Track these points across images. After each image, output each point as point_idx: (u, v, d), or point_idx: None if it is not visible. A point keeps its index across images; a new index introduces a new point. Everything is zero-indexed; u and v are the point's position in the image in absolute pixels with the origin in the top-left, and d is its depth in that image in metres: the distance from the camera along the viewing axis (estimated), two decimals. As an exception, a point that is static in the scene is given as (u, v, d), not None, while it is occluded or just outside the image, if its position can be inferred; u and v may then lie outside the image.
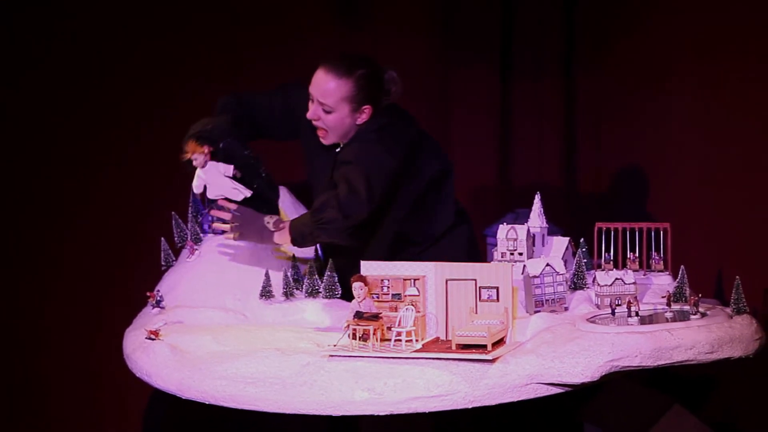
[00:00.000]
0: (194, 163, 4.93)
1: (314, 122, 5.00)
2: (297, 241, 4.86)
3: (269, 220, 4.89)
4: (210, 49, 6.18)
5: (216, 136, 4.95)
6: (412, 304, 4.50)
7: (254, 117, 5.17)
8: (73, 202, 6.11)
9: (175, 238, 5.20)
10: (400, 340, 4.39)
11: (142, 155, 6.11)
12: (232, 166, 4.95)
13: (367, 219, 4.85)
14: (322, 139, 5.03)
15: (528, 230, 4.93)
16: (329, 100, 4.91)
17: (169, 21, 6.14)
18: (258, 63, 6.20)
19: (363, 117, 4.97)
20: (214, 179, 4.94)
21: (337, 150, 5.02)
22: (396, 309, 4.50)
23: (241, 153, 4.98)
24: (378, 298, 4.53)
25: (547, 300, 4.67)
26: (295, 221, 4.90)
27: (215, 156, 4.94)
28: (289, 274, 4.94)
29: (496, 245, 4.95)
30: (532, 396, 4.29)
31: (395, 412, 4.23)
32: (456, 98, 6.34)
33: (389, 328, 4.45)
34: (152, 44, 6.14)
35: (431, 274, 4.56)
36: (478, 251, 5.18)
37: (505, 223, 4.97)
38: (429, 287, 4.57)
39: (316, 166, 5.11)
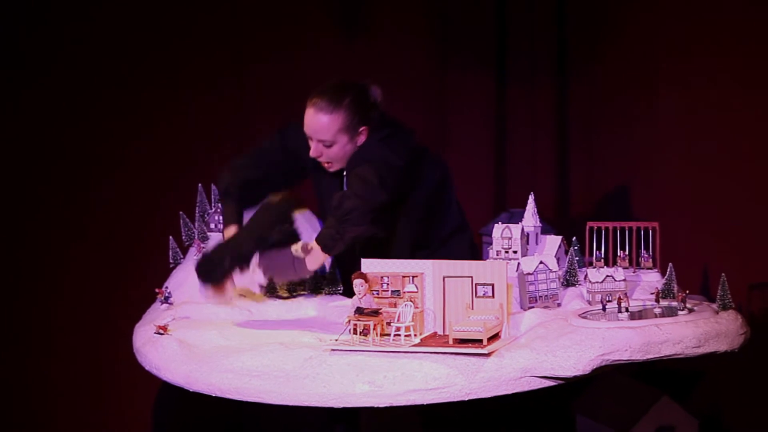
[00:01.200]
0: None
1: (319, 158, 4.95)
2: (328, 247, 4.70)
3: (297, 249, 4.71)
4: (215, 53, 6.15)
5: (220, 273, 4.76)
6: (411, 301, 4.50)
7: (257, 187, 5.06)
8: (84, 202, 6.07)
9: (183, 237, 5.20)
10: (399, 335, 4.40)
11: (151, 156, 6.09)
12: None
13: (386, 207, 4.79)
14: (329, 169, 4.98)
15: (522, 229, 4.92)
16: (326, 136, 4.87)
17: (176, 26, 6.11)
18: (260, 66, 6.17)
19: (362, 138, 4.93)
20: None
21: (344, 173, 5.00)
22: (395, 305, 4.50)
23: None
24: (378, 294, 4.54)
25: (540, 296, 4.67)
26: (319, 233, 4.78)
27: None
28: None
29: (491, 244, 4.94)
30: (526, 389, 4.30)
31: (394, 404, 4.23)
32: (453, 102, 6.30)
33: (389, 324, 4.46)
34: (160, 48, 6.10)
35: (429, 272, 4.56)
36: (478, 252, 5.17)
37: (500, 222, 4.97)
38: (427, 284, 4.56)
39: (324, 187, 5.06)
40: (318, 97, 4.87)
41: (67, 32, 6.07)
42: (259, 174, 5.05)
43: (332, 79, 4.96)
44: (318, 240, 4.70)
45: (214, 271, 4.67)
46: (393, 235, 4.97)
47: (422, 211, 5.01)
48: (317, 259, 4.72)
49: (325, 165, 4.97)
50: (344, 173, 4.98)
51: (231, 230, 4.94)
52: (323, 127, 4.86)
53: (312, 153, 4.92)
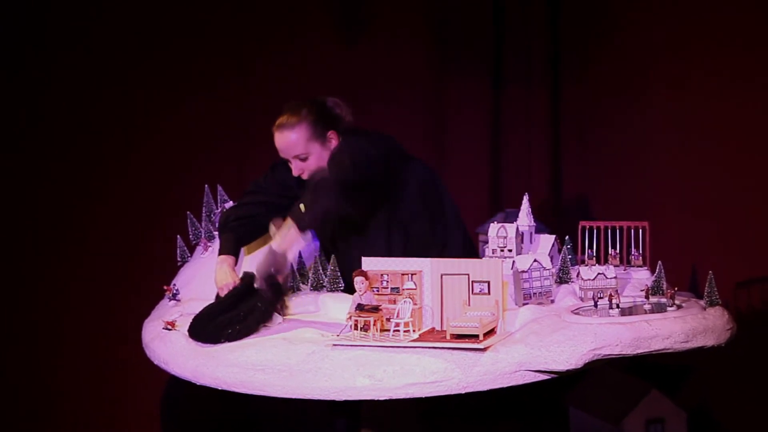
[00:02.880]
0: None
1: (302, 176, 4.95)
2: (298, 220, 4.68)
3: (271, 227, 4.75)
4: (219, 55, 6.14)
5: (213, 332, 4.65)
6: (410, 297, 4.51)
7: (256, 220, 5.03)
8: (96, 204, 6.06)
9: (190, 236, 5.22)
10: (398, 330, 4.41)
11: (158, 159, 6.07)
12: None
13: (360, 188, 4.79)
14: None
15: (517, 228, 4.91)
16: (299, 149, 4.88)
17: (182, 27, 6.09)
18: (263, 68, 6.17)
19: (333, 142, 4.94)
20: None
21: None
22: (394, 301, 4.51)
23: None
24: (378, 291, 4.54)
25: (534, 293, 4.67)
26: (291, 209, 4.75)
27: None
28: (295, 269, 4.90)
29: (487, 242, 4.94)
30: (520, 382, 4.31)
31: (394, 397, 4.24)
32: (452, 105, 6.31)
33: (388, 320, 4.46)
34: (163, 49, 6.07)
35: (427, 269, 4.57)
36: (475, 251, 5.17)
37: (496, 222, 4.97)
38: (425, 281, 4.57)
39: None
40: (279, 119, 4.91)
41: (70, 34, 6.02)
42: (260, 209, 5.05)
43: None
44: (290, 215, 4.68)
45: (205, 330, 4.60)
46: (387, 230, 4.96)
47: (415, 210, 4.99)
48: (290, 238, 4.68)
49: (306, 177, 4.95)
50: None
51: (227, 261, 4.91)
52: (293, 143, 4.88)
53: (294, 172, 4.94)
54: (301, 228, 4.70)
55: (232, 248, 4.97)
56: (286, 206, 5.01)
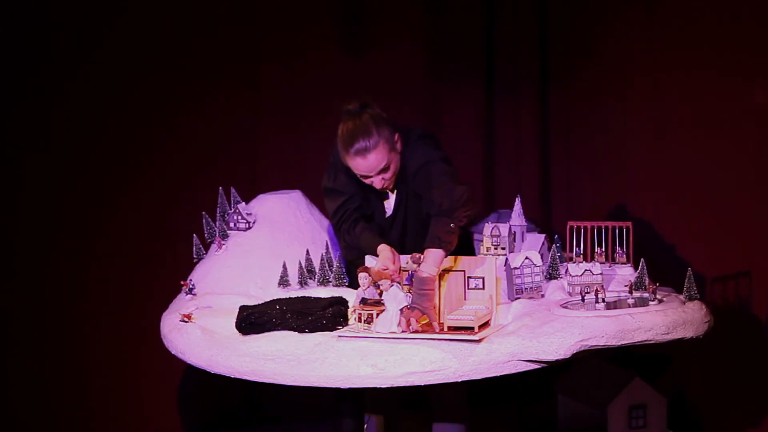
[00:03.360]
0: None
1: (385, 185, 4.88)
2: (447, 243, 4.55)
3: (407, 262, 4.60)
4: (231, 60, 6.05)
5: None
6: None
7: (365, 208, 5.02)
8: (120, 204, 5.92)
9: (206, 235, 5.24)
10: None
11: (175, 162, 5.98)
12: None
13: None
14: (388, 187, 4.93)
15: (509, 228, 4.97)
16: (382, 164, 4.79)
17: (198, 34, 6.00)
18: (275, 73, 6.11)
19: (399, 143, 4.87)
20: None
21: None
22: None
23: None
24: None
25: (526, 288, 4.73)
26: (429, 240, 4.56)
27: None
28: (303, 265, 4.95)
29: (482, 241, 5.00)
30: (513, 371, 4.36)
31: (395, 385, 4.29)
32: (447, 112, 6.35)
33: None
34: (183, 56, 5.97)
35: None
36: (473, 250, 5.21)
37: (489, 222, 5.02)
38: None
39: (373, 202, 5.02)
40: (354, 145, 4.76)
41: (90, 38, 5.86)
42: (359, 199, 4.97)
43: (344, 125, 4.81)
44: (435, 244, 4.54)
45: (252, 328, 4.60)
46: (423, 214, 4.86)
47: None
48: (437, 261, 4.55)
49: (387, 185, 4.90)
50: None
51: (388, 247, 4.76)
52: (378, 161, 4.78)
53: (378, 186, 4.86)
54: (449, 249, 4.56)
55: (378, 238, 4.83)
56: (366, 199, 4.97)
